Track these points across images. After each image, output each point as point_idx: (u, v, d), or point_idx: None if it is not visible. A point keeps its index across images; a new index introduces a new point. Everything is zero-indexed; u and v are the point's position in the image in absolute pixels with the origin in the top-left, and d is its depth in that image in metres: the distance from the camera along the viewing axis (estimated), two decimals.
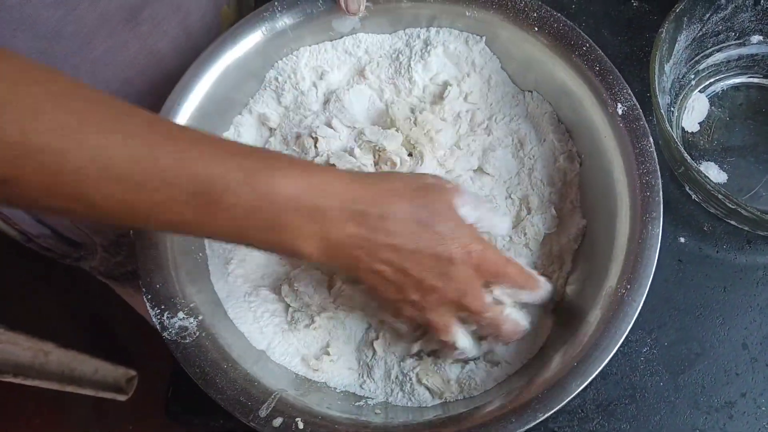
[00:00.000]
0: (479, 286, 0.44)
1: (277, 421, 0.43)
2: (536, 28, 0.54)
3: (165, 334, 0.46)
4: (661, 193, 0.48)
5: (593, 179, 0.53)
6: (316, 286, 0.51)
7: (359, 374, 0.51)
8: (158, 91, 0.60)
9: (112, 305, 1.42)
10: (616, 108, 0.50)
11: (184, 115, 0.54)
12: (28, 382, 1.15)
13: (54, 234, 0.69)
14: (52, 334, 1.19)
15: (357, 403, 0.49)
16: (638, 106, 0.50)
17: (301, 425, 0.43)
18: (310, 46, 0.58)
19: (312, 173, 0.40)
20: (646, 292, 0.46)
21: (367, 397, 0.50)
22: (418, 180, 0.44)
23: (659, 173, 0.48)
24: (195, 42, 0.63)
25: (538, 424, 0.54)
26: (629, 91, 0.51)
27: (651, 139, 0.49)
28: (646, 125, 0.49)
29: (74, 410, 1.38)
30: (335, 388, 0.51)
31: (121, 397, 1.34)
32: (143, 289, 0.48)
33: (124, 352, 1.40)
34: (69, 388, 1.21)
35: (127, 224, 0.40)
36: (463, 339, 0.46)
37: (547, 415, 0.43)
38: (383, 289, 0.43)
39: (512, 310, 0.46)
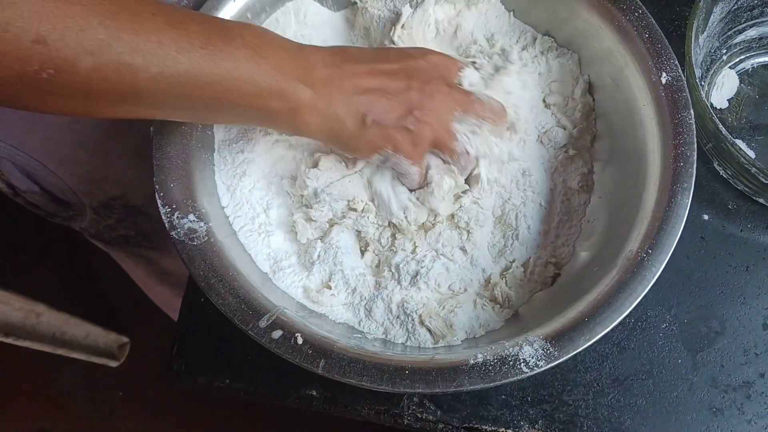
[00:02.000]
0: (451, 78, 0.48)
1: (277, 333, 0.42)
2: None
3: (173, 233, 0.45)
4: (695, 165, 0.46)
5: (625, 147, 0.51)
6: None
7: (357, 310, 0.50)
8: None
9: (107, 270, 1.41)
10: (660, 77, 0.48)
11: None
12: (19, 343, 1.12)
13: (42, 191, 0.67)
14: (44, 295, 1.17)
15: (356, 335, 0.48)
16: (683, 78, 0.48)
17: (300, 340, 0.42)
18: None
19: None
20: (667, 258, 0.44)
21: (366, 332, 0.49)
22: None
23: (696, 146, 0.47)
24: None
25: (552, 397, 0.54)
26: (676, 62, 0.49)
27: (692, 112, 0.47)
28: (689, 97, 0.48)
29: (64, 374, 1.36)
30: (335, 320, 0.49)
31: (113, 363, 1.32)
32: (156, 186, 0.46)
33: (117, 318, 1.38)
34: (60, 351, 1.19)
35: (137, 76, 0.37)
36: (466, 143, 0.48)
37: (550, 365, 0.41)
38: (384, 109, 0.44)
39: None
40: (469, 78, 0.49)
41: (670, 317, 0.55)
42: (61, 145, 0.62)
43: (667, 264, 0.44)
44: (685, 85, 0.48)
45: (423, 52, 0.48)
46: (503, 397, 0.54)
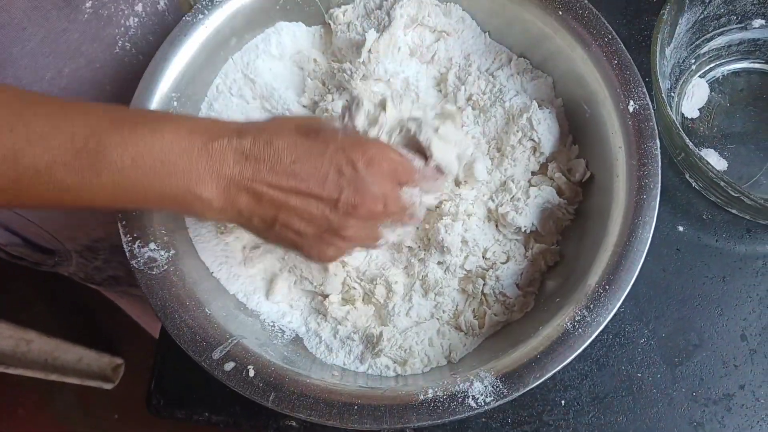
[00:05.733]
0: (395, 189, 0.42)
1: (229, 366, 0.42)
2: (560, 12, 0.52)
3: (133, 262, 0.46)
4: (658, 198, 0.46)
5: (595, 174, 0.52)
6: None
7: (308, 330, 0.51)
8: (119, 81, 0.56)
9: (98, 293, 1.40)
10: (628, 105, 0.48)
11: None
12: (10, 371, 1.12)
13: (24, 242, 0.66)
14: (35, 321, 1.17)
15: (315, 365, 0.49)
16: (650, 106, 0.48)
17: (252, 373, 0.42)
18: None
19: (196, 119, 0.41)
20: (625, 295, 0.44)
21: (333, 365, 0.49)
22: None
23: (660, 178, 0.46)
24: (150, 28, 0.58)
25: (532, 418, 0.54)
26: (644, 89, 0.49)
27: (657, 142, 0.47)
28: (655, 127, 0.48)
29: (58, 399, 1.36)
30: (297, 337, 0.50)
31: (107, 386, 1.31)
32: (118, 215, 0.47)
33: (110, 340, 1.38)
34: (53, 377, 1.19)
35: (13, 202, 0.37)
36: (390, 236, 0.45)
37: (499, 403, 0.41)
38: (298, 227, 0.40)
39: (419, 195, 0.45)
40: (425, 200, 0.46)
41: (648, 332, 0.55)
42: None
43: (644, 278, 0.44)
44: (653, 114, 0.48)
45: (370, 157, 0.40)
46: (483, 420, 0.53)
